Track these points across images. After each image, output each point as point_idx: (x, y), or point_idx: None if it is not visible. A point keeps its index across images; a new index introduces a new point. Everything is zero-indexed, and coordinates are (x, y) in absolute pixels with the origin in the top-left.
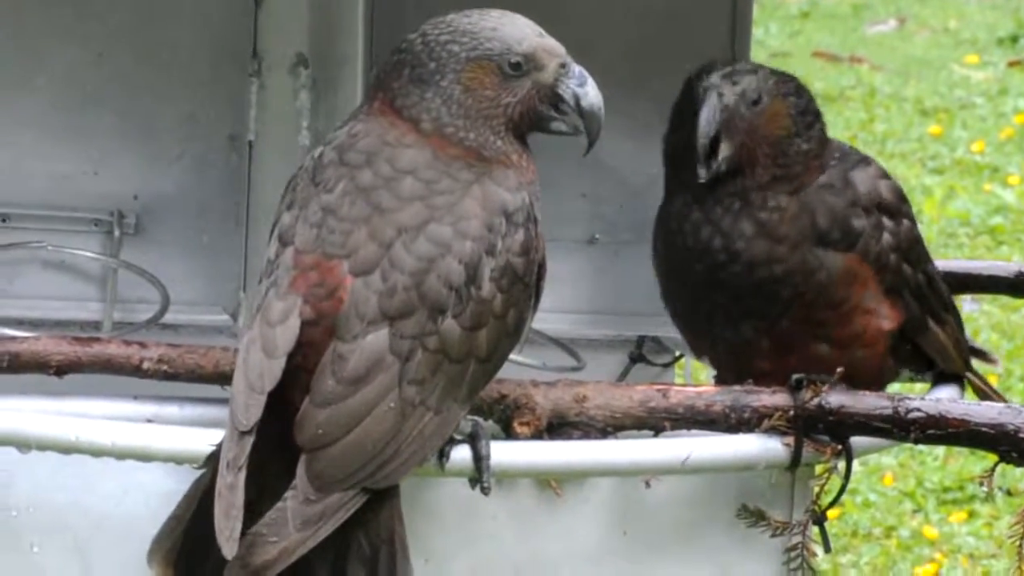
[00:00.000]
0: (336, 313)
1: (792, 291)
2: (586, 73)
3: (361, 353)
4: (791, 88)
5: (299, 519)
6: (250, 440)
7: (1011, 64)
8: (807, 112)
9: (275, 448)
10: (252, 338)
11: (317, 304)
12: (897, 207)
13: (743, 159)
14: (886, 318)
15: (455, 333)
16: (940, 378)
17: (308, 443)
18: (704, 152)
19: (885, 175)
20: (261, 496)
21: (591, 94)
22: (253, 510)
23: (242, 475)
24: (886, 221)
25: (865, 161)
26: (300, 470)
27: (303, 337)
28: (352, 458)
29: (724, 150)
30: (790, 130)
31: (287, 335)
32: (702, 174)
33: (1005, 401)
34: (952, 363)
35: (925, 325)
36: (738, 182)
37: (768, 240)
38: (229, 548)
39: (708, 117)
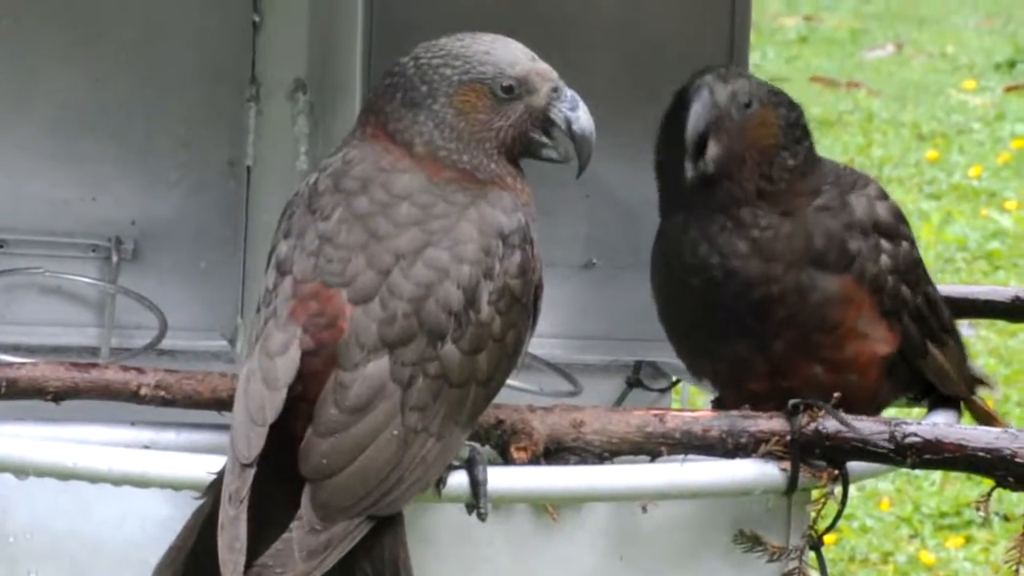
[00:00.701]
0: (336, 342)
1: (786, 312)
2: (578, 97)
3: (363, 381)
4: (783, 100)
5: (305, 549)
6: (252, 472)
7: (1008, 89)
8: (796, 126)
9: (278, 478)
10: (252, 369)
11: (317, 334)
12: (895, 228)
13: (730, 163)
14: (882, 342)
15: (455, 358)
16: (937, 402)
17: (312, 473)
18: (693, 148)
19: (883, 195)
20: (265, 527)
21: (583, 118)
22: (257, 541)
23: (244, 507)
24: (884, 243)
25: (863, 181)
26: (305, 500)
27: (304, 367)
28: (357, 486)
29: (712, 149)
30: (778, 141)
31: (288, 366)
32: (689, 170)
33: (1005, 426)
34: (953, 386)
35: (925, 349)
36: (724, 189)
37: (763, 259)
38: None
39: (699, 112)
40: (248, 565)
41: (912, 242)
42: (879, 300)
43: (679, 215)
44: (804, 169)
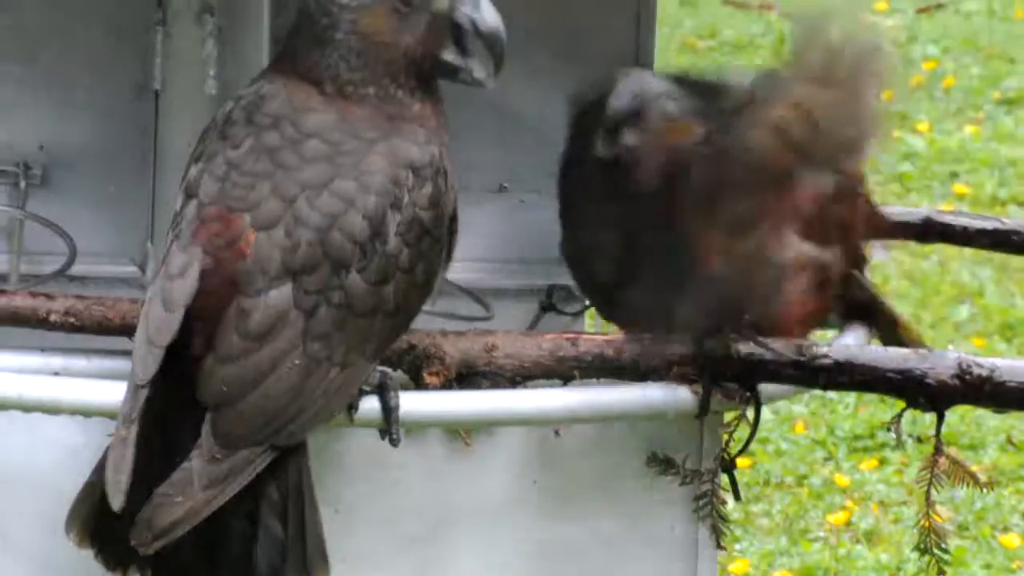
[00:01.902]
0: (236, 264)
1: None
2: None
3: (265, 308)
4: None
5: (205, 478)
6: (145, 394)
7: (920, 11)
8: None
9: (180, 405)
10: (154, 292)
11: (217, 255)
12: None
13: (643, 158)
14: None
15: (360, 288)
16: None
17: (212, 399)
18: (607, 128)
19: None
20: (170, 455)
21: (487, 16)
22: (163, 469)
23: (135, 428)
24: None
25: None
26: (205, 428)
27: (203, 289)
28: (257, 415)
29: (629, 137)
30: (688, 152)
31: (186, 287)
32: (600, 147)
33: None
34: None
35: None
36: (626, 180)
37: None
38: (117, 500)
39: (622, 93)
40: (150, 493)
41: None
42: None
43: (580, 193)
44: (708, 214)
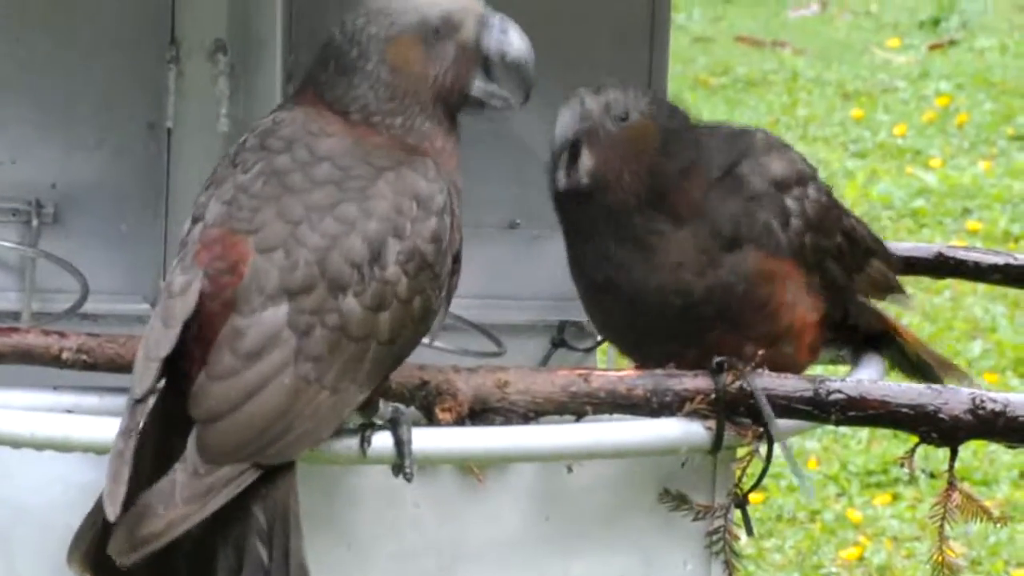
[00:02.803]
0: (235, 287)
1: (714, 310)
2: (507, 19)
3: (258, 327)
4: (663, 110)
5: (187, 491)
6: (144, 408)
7: (932, 47)
8: (679, 133)
9: (176, 422)
10: (156, 312)
11: (217, 277)
12: (796, 177)
13: (608, 176)
14: (813, 309)
15: (356, 312)
16: (862, 354)
17: (202, 416)
18: (561, 157)
19: (770, 147)
20: (163, 468)
21: (515, 42)
22: (154, 481)
23: (131, 442)
24: (789, 202)
25: (747, 142)
26: (191, 442)
27: (202, 309)
28: (242, 431)
29: (586, 162)
30: (658, 151)
31: (185, 305)
32: (559, 179)
33: (939, 361)
34: (881, 290)
35: (852, 282)
36: (604, 202)
37: (670, 271)
38: (112, 511)
39: (566, 121)
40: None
41: (815, 183)
42: (803, 262)
43: (575, 234)
44: (689, 172)
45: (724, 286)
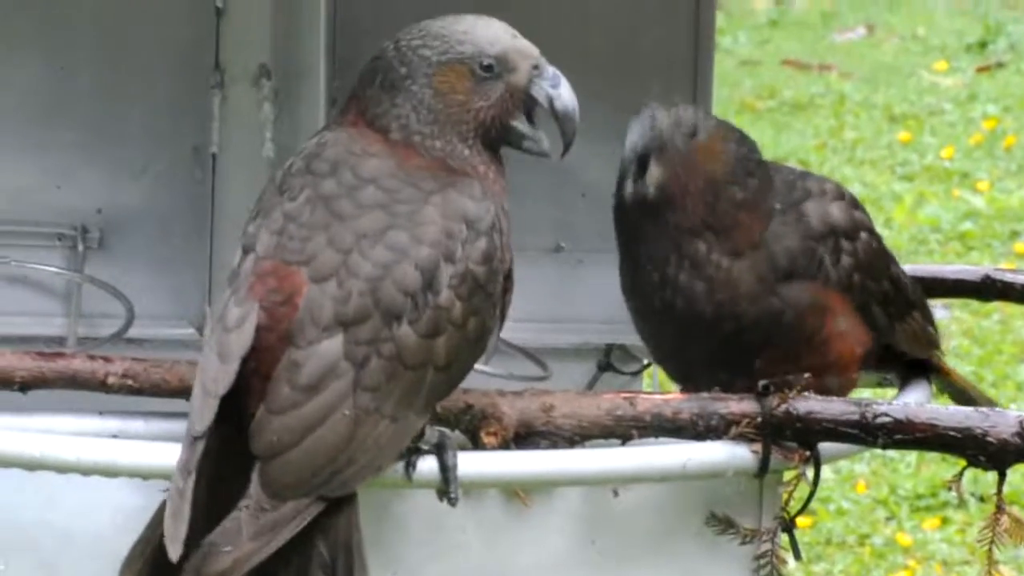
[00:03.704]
0: (291, 319)
1: (762, 336)
2: (560, 74)
3: (315, 360)
4: (733, 134)
5: (253, 528)
6: (202, 445)
7: (979, 70)
8: (747, 160)
9: (234, 456)
10: (210, 344)
11: (273, 310)
12: (852, 227)
13: (674, 190)
14: (858, 342)
15: (411, 340)
16: (909, 377)
17: (263, 451)
18: (631, 166)
19: (838, 195)
20: (221, 504)
21: (565, 95)
22: (214, 519)
23: (191, 479)
24: (844, 243)
25: (816, 187)
26: (254, 478)
27: (258, 343)
28: (306, 465)
29: (654, 173)
30: (725, 173)
31: (242, 340)
32: (627, 188)
33: (981, 396)
34: (920, 345)
35: (893, 328)
36: (668, 219)
37: (726, 297)
38: (175, 549)
39: (637, 132)
40: (200, 542)
41: (870, 230)
42: (850, 299)
43: (633, 254)
44: (755, 202)
45: (774, 314)
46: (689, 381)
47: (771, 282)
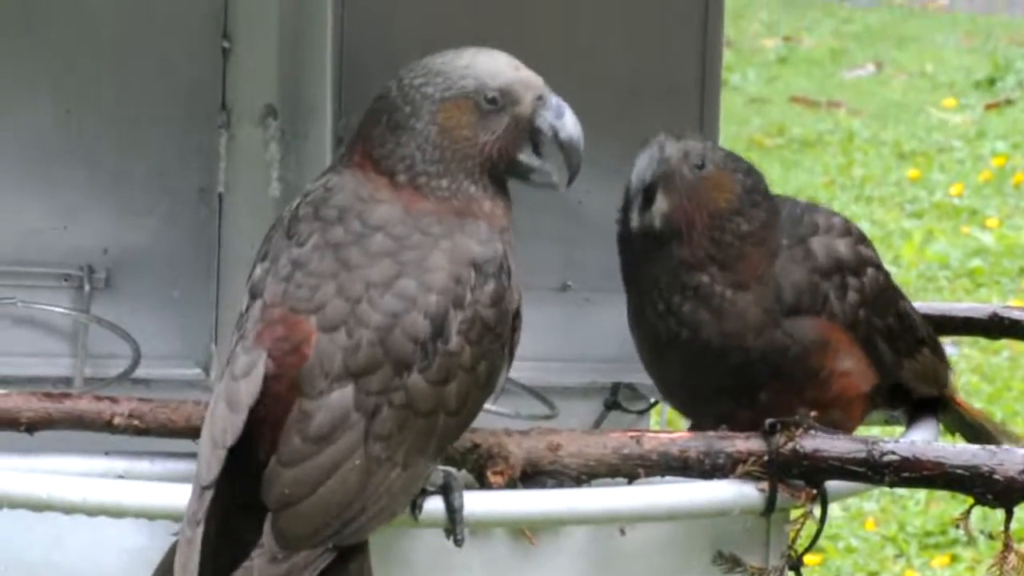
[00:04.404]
0: (300, 368)
1: (767, 369)
2: (564, 104)
3: (326, 411)
4: (740, 165)
5: None
6: (210, 495)
7: (988, 107)
8: (754, 192)
9: (244, 504)
10: (218, 392)
11: (281, 358)
12: (858, 262)
13: (680, 222)
14: (863, 379)
15: (421, 388)
16: (916, 415)
17: (275, 502)
18: (637, 197)
19: (845, 231)
20: (232, 553)
21: (569, 126)
22: (224, 568)
23: (200, 530)
24: (850, 279)
25: (824, 222)
26: (266, 528)
27: (267, 391)
28: (318, 516)
29: (660, 204)
30: (732, 205)
31: (250, 389)
32: (633, 220)
33: (997, 427)
34: (930, 383)
35: (900, 366)
36: (673, 251)
37: (732, 328)
38: None
39: (645, 163)
40: None
41: (877, 265)
42: (855, 335)
43: (639, 284)
44: (761, 235)
45: (780, 348)
46: (693, 412)
47: (776, 316)
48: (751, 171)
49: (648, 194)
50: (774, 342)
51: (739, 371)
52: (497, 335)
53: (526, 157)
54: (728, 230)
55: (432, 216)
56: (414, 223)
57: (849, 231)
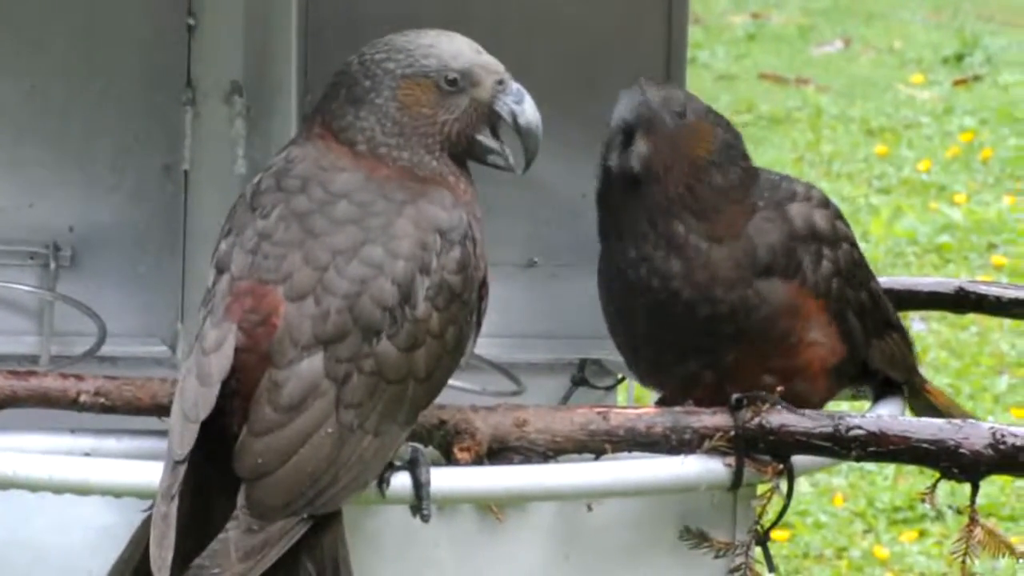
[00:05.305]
0: (270, 339)
1: (735, 327)
2: (524, 90)
3: (296, 380)
4: (720, 120)
5: (241, 549)
6: (183, 469)
7: (956, 83)
8: (732, 149)
9: (217, 477)
10: (188, 367)
11: (251, 330)
12: (834, 235)
13: (659, 166)
14: (831, 351)
15: (391, 354)
16: (882, 393)
17: (248, 473)
18: (617, 140)
19: (823, 203)
20: (206, 526)
21: (528, 111)
22: (199, 541)
23: (175, 504)
24: (825, 249)
25: (803, 192)
26: (240, 499)
27: (238, 364)
28: (292, 485)
29: (640, 146)
30: (710, 155)
31: (221, 362)
32: (612, 159)
33: (965, 415)
34: (898, 372)
35: (868, 344)
36: (649, 195)
37: (704, 280)
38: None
39: (626, 104)
40: (187, 565)
41: (852, 243)
42: (826, 304)
43: (614, 234)
44: (737, 193)
45: (749, 306)
46: (658, 373)
47: (749, 274)
48: (730, 127)
49: (628, 135)
50: (744, 300)
51: (706, 326)
52: (464, 302)
53: (485, 139)
54: (705, 181)
55: (395, 182)
56: (377, 189)
57: (827, 204)
